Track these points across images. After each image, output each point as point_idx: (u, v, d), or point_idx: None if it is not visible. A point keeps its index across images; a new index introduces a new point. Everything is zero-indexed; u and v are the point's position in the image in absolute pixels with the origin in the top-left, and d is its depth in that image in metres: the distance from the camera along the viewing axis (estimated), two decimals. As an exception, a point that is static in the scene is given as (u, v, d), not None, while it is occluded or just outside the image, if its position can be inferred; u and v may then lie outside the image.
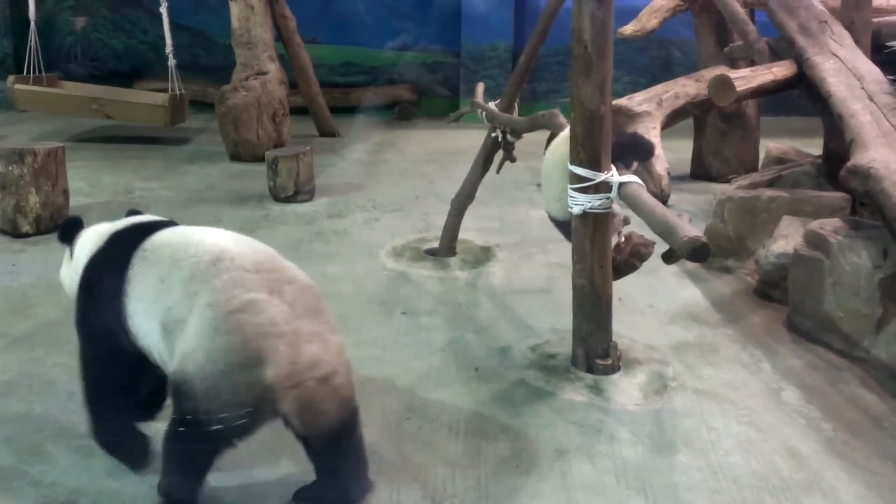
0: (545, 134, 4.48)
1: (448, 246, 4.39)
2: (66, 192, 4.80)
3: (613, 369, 2.95)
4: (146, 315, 2.14)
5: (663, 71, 9.69)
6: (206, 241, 2.16)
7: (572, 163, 2.82)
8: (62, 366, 2.96)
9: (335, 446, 2.11)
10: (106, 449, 2.37)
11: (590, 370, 2.95)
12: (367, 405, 2.69)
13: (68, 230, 2.46)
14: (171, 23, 7.39)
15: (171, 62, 7.37)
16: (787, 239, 3.75)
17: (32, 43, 7.30)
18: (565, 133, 3.08)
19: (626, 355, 3.08)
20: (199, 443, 2.01)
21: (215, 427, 1.96)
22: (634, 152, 3.15)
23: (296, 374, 1.95)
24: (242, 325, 1.96)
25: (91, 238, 2.38)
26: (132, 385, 2.34)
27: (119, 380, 2.31)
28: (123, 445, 2.37)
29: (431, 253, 4.42)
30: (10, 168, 4.47)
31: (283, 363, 1.94)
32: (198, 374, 1.97)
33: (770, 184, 4.49)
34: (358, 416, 2.16)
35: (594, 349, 2.95)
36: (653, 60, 9.97)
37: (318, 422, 2.01)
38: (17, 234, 4.54)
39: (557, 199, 3.02)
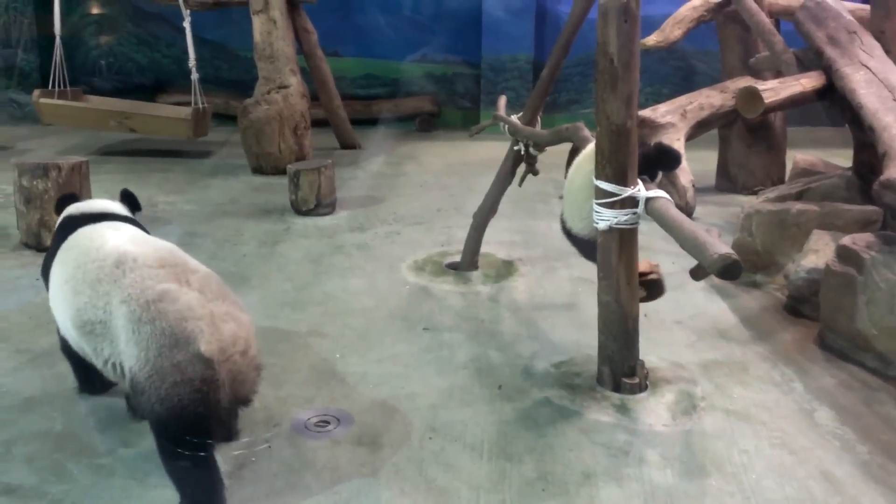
0: (567, 145, 4.45)
1: (470, 260, 4.35)
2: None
3: (640, 388, 2.89)
4: (58, 311, 2.47)
5: (685, 81, 9.62)
6: (107, 245, 2.38)
7: (598, 177, 2.77)
8: (84, 382, 2.95)
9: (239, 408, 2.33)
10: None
11: (616, 389, 2.89)
12: (389, 424, 2.66)
13: (61, 204, 2.85)
14: (194, 36, 7.45)
15: (195, 76, 7.43)
16: (817, 253, 3.66)
17: (58, 57, 7.39)
18: (589, 150, 3.02)
19: (653, 374, 3.01)
20: (188, 433, 2.10)
21: (189, 408, 2.07)
22: (661, 163, 3.07)
23: (224, 350, 2.12)
24: (164, 312, 2.13)
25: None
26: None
27: (69, 349, 2.62)
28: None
29: (453, 267, 4.38)
30: (35, 182, 4.51)
31: (210, 341, 2.10)
32: (137, 366, 2.13)
33: (798, 196, 4.40)
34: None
35: (620, 367, 2.89)
36: (675, 71, 9.90)
37: (243, 390, 2.22)
38: (41, 248, 4.56)
39: (584, 217, 2.96)
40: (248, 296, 3.91)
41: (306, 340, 3.38)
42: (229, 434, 2.42)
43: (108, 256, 2.31)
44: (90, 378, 2.78)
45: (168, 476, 2.18)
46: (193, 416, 2.08)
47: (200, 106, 7.56)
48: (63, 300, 2.40)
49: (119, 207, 2.83)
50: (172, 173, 6.93)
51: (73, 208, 2.75)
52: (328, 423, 2.67)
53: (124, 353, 2.18)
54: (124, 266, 2.26)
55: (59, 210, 2.82)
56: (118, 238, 2.42)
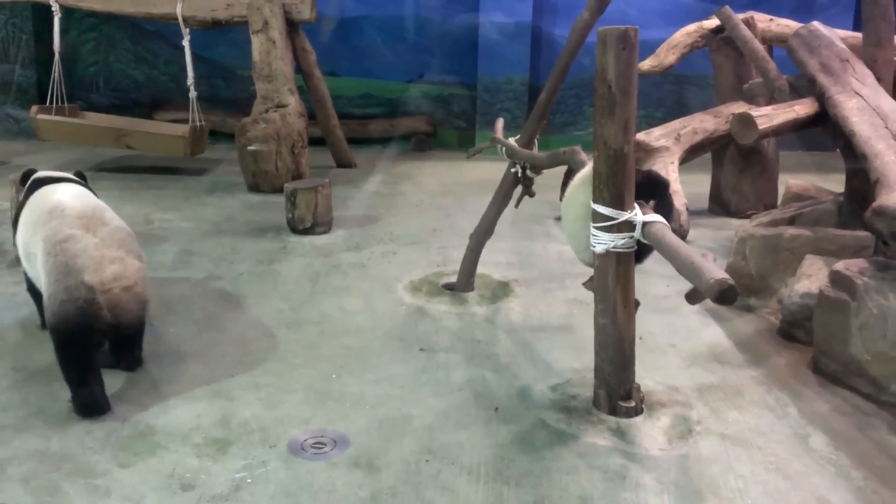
0: (563, 168, 4.49)
1: (466, 281, 4.37)
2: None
3: (636, 412, 2.90)
4: (19, 245, 3.36)
5: (679, 106, 9.73)
6: (52, 198, 3.19)
7: (595, 201, 2.80)
8: (80, 401, 2.94)
9: (126, 337, 3.10)
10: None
11: (612, 412, 2.90)
12: (386, 446, 2.66)
13: (25, 176, 3.64)
14: (193, 54, 7.50)
15: (193, 94, 7.47)
16: (810, 278, 3.70)
17: (56, 74, 7.43)
18: (579, 179, 3.04)
19: (649, 397, 3.03)
20: (70, 340, 2.85)
21: (71, 320, 2.81)
22: (651, 191, 3.07)
23: (104, 283, 2.88)
24: (65, 250, 2.92)
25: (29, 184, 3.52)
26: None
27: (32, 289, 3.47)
28: None
29: (449, 287, 4.39)
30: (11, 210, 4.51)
31: (94, 274, 2.87)
32: (44, 286, 2.95)
33: (791, 221, 4.45)
34: (144, 315, 3.13)
35: (617, 390, 2.91)
36: (668, 95, 10.01)
37: (125, 317, 2.96)
38: (37, 264, 4.56)
39: (586, 248, 2.97)
40: (245, 315, 3.92)
41: (302, 360, 3.38)
42: (130, 361, 3.21)
43: (48, 206, 3.13)
44: (86, 380, 2.96)
45: (63, 376, 2.87)
46: (76, 328, 2.82)
47: (198, 124, 7.59)
48: (20, 234, 3.31)
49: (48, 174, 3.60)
50: (169, 190, 6.94)
51: (41, 173, 3.56)
52: (325, 444, 2.67)
53: (40, 277, 3.00)
54: (53, 214, 3.07)
55: (23, 181, 3.63)
56: (62, 194, 3.22)
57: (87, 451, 2.61)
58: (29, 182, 3.54)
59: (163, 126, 8.24)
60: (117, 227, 3.14)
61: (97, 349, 2.95)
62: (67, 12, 8.07)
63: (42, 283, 2.98)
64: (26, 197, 3.41)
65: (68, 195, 3.21)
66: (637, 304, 2.94)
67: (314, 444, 2.67)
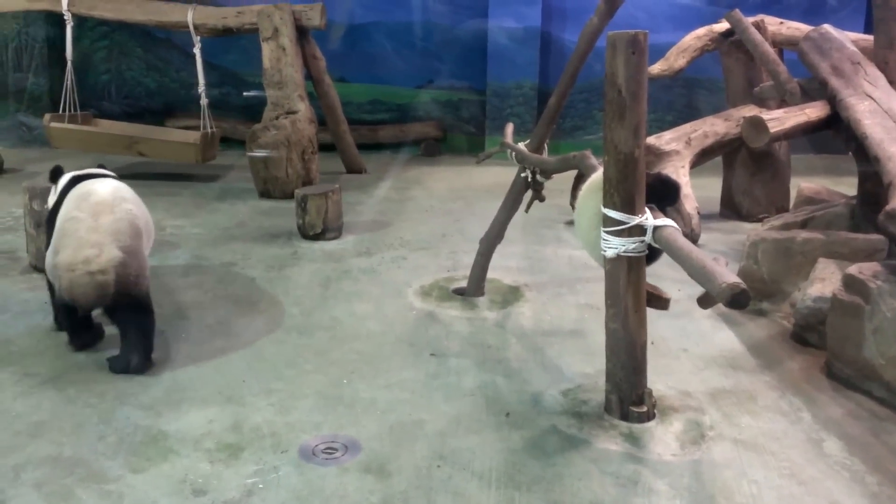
0: (573, 172, 4.48)
1: (476, 285, 4.36)
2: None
3: (648, 417, 2.88)
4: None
5: (689, 109, 9.71)
6: (91, 186, 3.49)
7: (606, 205, 2.80)
8: (93, 406, 2.96)
9: (122, 323, 3.29)
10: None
11: (624, 417, 2.88)
12: (398, 451, 2.66)
13: (54, 174, 3.88)
14: (204, 61, 7.55)
15: (204, 101, 7.53)
16: (823, 282, 3.67)
17: (69, 82, 7.50)
18: (588, 187, 3.03)
19: (661, 402, 3.01)
20: (54, 300, 3.49)
21: (54, 291, 3.33)
22: (662, 195, 2.97)
23: (71, 265, 3.13)
24: (62, 229, 3.27)
25: (63, 179, 3.76)
26: None
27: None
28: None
29: (460, 292, 4.39)
30: (45, 206, 4.54)
31: (66, 255, 3.16)
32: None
33: (803, 225, 4.42)
34: (141, 307, 3.30)
35: (628, 395, 2.89)
36: (679, 98, 9.99)
37: (81, 299, 3.16)
38: (50, 270, 4.60)
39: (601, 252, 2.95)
40: (256, 320, 3.93)
41: (314, 366, 3.38)
42: (136, 362, 3.27)
43: (84, 189, 3.46)
44: (75, 328, 3.47)
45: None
46: (55, 298, 3.39)
47: (209, 130, 7.64)
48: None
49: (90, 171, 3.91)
50: (180, 197, 6.98)
51: (77, 171, 3.82)
52: (336, 449, 2.67)
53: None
54: (81, 196, 3.39)
55: (53, 178, 3.87)
56: (103, 184, 3.52)
57: (100, 456, 2.62)
58: (68, 180, 3.71)
59: (174, 133, 8.30)
60: (121, 218, 3.32)
61: (78, 314, 3.34)
62: (80, 21, 8.14)
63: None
64: (63, 195, 3.57)
65: (107, 186, 3.52)
66: (667, 301, 2.93)
67: (325, 449, 2.67)
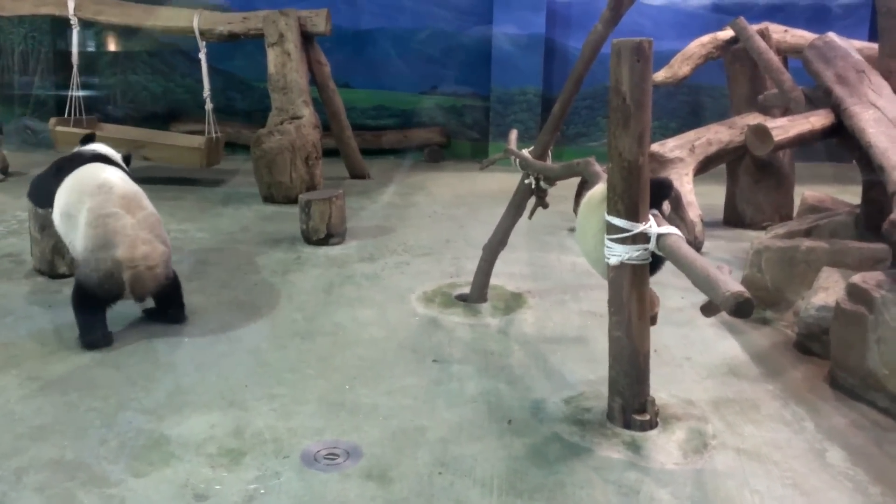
0: (576, 179, 4.48)
1: (479, 292, 4.36)
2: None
3: (651, 425, 2.88)
4: (57, 202, 3.82)
5: (693, 116, 9.70)
6: (101, 175, 3.77)
7: (610, 213, 2.80)
8: (96, 410, 2.97)
9: (162, 300, 3.85)
10: None
11: (627, 426, 2.88)
12: (399, 458, 2.66)
13: (85, 140, 4.31)
14: (209, 66, 7.58)
15: (209, 106, 7.55)
16: (827, 291, 3.66)
17: (74, 86, 7.53)
18: (588, 202, 3.02)
19: (664, 411, 3.00)
20: (90, 296, 3.53)
21: (94, 284, 3.51)
22: (656, 195, 2.96)
23: (132, 261, 3.51)
24: (105, 225, 3.53)
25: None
26: None
27: (82, 296, 3.68)
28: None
29: (462, 298, 4.39)
30: (49, 209, 4.55)
31: (125, 252, 3.50)
32: (80, 251, 3.59)
33: (807, 233, 4.41)
34: (177, 286, 3.88)
35: (631, 404, 2.89)
36: (682, 106, 9.99)
37: (141, 291, 3.60)
38: (54, 274, 4.60)
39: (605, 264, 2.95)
40: (258, 325, 3.93)
41: (316, 371, 3.38)
42: (176, 315, 3.90)
43: (97, 181, 3.71)
44: (93, 326, 3.58)
45: (75, 316, 3.58)
46: (97, 292, 3.52)
47: (214, 135, 7.66)
48: (62, 197, 3.78)
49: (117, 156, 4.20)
50: (185, 201, 7.00)
51: (95, 147, 4.18)
52: (338, 455, 2.66)
53: (77, 240, 3.62)
54: (102, 189, 3.65)
55: (82, 143, 4.26)
56: (111, 174, 3.80)
57: (102, 460, 2.62)
58: (76, 151, 4.13)
59: (179, 137, 8.32)
60: (151, 213, 3.76)
61: (107, 306, 3.63)
62: (86, 25, 8.18)
63: (75, 243, 3.65)
64: (73, 163, 3.94)
65: (116, 176, 3.80)
66: (653, 316, 2.93)
67: (327, 455, 2.67)
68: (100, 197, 3.62)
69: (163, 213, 6.33)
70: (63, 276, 4.58)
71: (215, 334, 3.79)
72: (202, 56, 7.46)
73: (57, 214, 3.83)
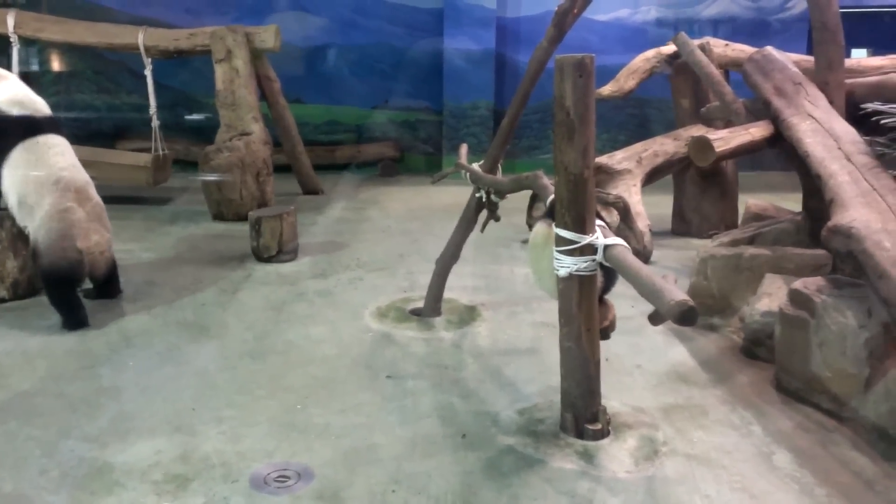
0: (528, 192, 4.51)
1: (433, 306, 4.35)
2: (44, 256, 4.73)
3: (603, 434, 2.90)
4: (8, 183, 4.16)
5: (640, 129, 9.91)
6: (56, 166, 4.15)
7: (558, 225, 2.83)
8: (35, 439, 2.86)
9: (106, 281, 4.48)
10: None
11: (579, 435, 2.89)
12: (352, 478, 2.62)
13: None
14: (155, 83, 7.45)
15: (155, 123, 7.41)
16: (770, 297, 3.76)
17: (16, 105, 7.30)
18: (545, 234, 3.05)
19: (616, 419, 3.03)
20: (63, 281, 4.08)
21: (66, 270, 4.06)
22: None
23: (89, 249, 4.12)
24: (65, 219, 4.05)
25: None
26: None
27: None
28: None
29: (416, 313, 4.37)
30: None
31: (83, 241, 4.07)
32: (43, 242, 4.04)
33: (751, 241, 4.52)
34: (116, 267, 4.55)
35: (583, 414, 2.91)
36: (630, 118, 10.19)
37: (97, 273, 4.29)
38: (-11, 298, 4.46)
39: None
40: (207, 346, 3.85)
41: (267, 391, 3.32)
42: (111, 293, 4.58)
43: (54, 176, 4.11)
44: (75, 307, 4.09)
45: (52, 305, 4.10)
46: (67, 277, 4.07)
47: (161, 152, 7.51)
48: (14, 183, 4.14)
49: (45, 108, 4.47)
50: (131, 220, 6.84)
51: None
52: (288, 477, 2.61)
53: (38, 231, 4.06)
54: (58, 185, 4.09)
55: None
56: (63, 164, 4.19)
57: (42, 491, 2.52)
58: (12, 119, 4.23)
59: (125, 156, 8.13)
60: (97, 203, 4.30)
61: (77, 288, 4.21)
62: (27, 43, 7.97)
63: (35, 233, 4.06)
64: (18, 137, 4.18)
65: (66, 163, 4.22)
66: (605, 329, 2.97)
67: (277, 477, 2.61)
68: (57, 194, 4.07)
69: (108, 234, 6.24)
70: (2, 301, 4.43)
71: (161, 357, 3.69)
72: (148, 73, 7.33)
73: (13, 199, 4.16)
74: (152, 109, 7.39)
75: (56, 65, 9.92)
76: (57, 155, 4.20)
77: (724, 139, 4.28)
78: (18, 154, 4.13)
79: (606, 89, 6.51)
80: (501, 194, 4.02)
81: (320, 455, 2.78)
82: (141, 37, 7.31)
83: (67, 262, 4.02)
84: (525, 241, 6.11)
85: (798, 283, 3.35)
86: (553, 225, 2.88)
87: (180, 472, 2.64)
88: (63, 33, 7.62)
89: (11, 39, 7.37)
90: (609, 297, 3.11)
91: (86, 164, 7.33)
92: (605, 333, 3.03)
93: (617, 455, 2.79)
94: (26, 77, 8.60)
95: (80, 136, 9.53)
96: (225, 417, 3.06)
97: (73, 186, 4.14)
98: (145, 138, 7.99)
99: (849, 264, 3.65)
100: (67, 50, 9.53)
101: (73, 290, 4.13)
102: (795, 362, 3.29)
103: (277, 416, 3.08)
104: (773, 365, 3.48)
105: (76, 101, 9.98)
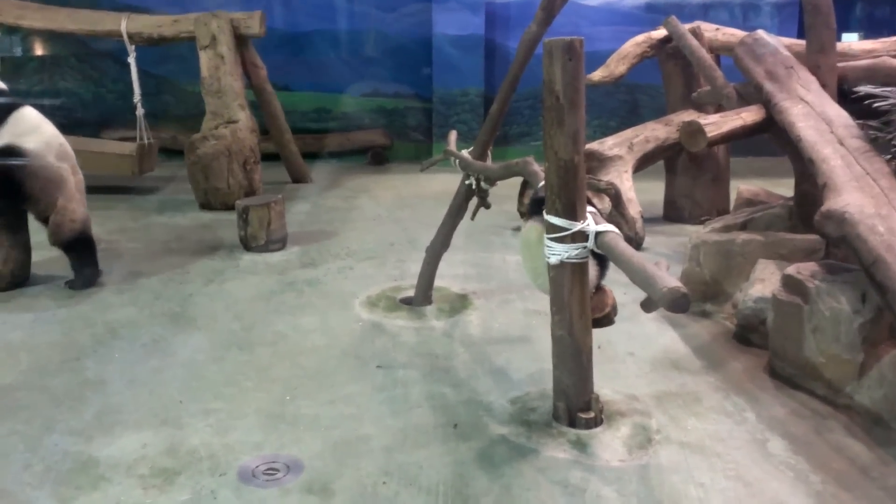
0: (519, 178, 4.46)
1: (424, 294, 4.31)
2: (27, 247, 4.65)
3: (596, 423, 2.87)
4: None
5: (631, 114, 9.84)
6: (55, 133, 4.54)
7: (548, 212, 2.78)
8: (19, 434, 2.81)
9: (76, 258, 4.61)
10: None
11: (572, 424, 2.86)
12: (342, 469, 2.58)
13: None
14: (141, 71, 7.33)
15: (140, 111, 7.30)
16: (763, 283, 3.73)
17: None
18: (530, 239, 3.01)
19: (609, 407, 3.00)
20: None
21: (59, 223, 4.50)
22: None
23: (64, 209, 4.48)
24: (61, 177, 4.48)
25: None
26: None
27: None
28: None
29: (407, 302, 4.33)
30: None
31: (63, 201, 4.48)
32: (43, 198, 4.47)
33: (743, 226, 4.49)
34: (91, 240, 4.70)
35: (576, 402, 2.87)
36: (621, 104, 10.13)
37: (58, 238, 4.50)
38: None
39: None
40: (194, 337, 3.79)
41: (255, 383, 3.27)
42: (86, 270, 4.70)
43: (51, 134, 4.51)
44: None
45: (87, 265, 4.66)
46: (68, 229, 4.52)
47: (146, 141, 7.41)
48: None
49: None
50: (116, 210, 6.75)
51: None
52: (277, 470, 2.57)
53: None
54: (55, 143, 4.49)
55: None
56: (57, 132, 4.59)
57: (26, 486, 2.47)
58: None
59: (110, 145, 8.02)
60: (81, 179, 4.68)
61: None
62: (8, 30, 7.83)
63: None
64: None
65: (61, 137, 4.57)
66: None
67: (266, 470, 2.57)
68: (57, 152, 4.47)
69: (93, 224, 6.14)
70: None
71: (147, 348, 3.64)
72: (131, 60, 7.22)
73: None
74: (137, 97, 7.28)
75: (39, 52, 9.75)
76: (50, 125, 4.50)
77: (716, 124, 4.24)
78: (30, 120, 4.44)
79: (597, 75, 6.44)
80: (491, 181, 3.97)
81: (310, 447, 2.73)
82: (124, 23, 7.18)
83: (70, 221, 4.53)
84: (516, 229, 6.07)
85: (791, 269, 3.32)
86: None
87: (167, 466, 2.59)
88: (45, 20, 7.48)
89: (-8, 27, 7.25)
90: (602, 283, 3.07)
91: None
92: (610, 319, 3.00)
93: (610, 444, 2.76)
94: (8, 65, 8.48)
95: (65, 124, 9.34)
96: (212, 410, 3.01)
97: (66, 153, 4.49)
98: (130, 127, 7.87)
99: (842, 249, 3.64)
100: (50, 37, 9.37)
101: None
102: (789, 348, 3.27)
103: (266, 408, 3.03)
104: (767, 351, 3.46)
105: (60, 89, 9.82)
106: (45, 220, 4.45)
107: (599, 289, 3.00)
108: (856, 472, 2.61)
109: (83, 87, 9.85)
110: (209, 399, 3.11)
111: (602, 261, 2.93)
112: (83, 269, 4.58)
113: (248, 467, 2.58)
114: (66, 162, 4.49)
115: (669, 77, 6.66)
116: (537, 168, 3.32)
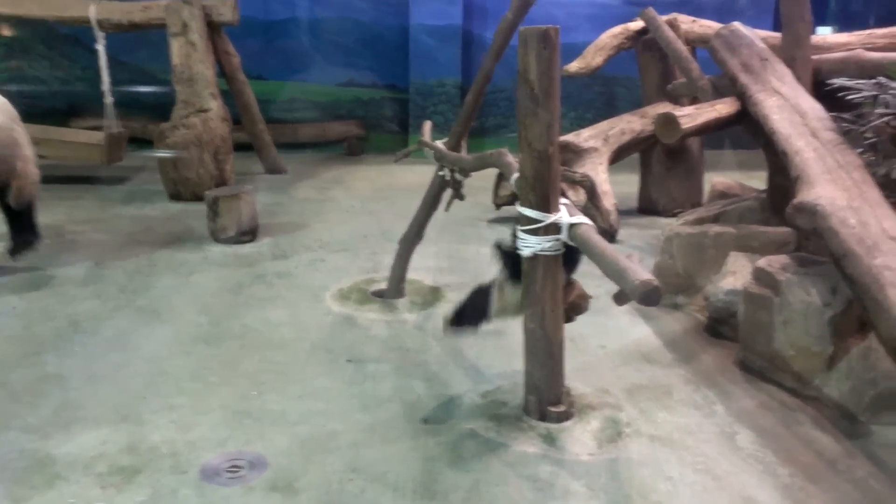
0: (494, 170, 4.41)
1: (396, 287, 4.25)
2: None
3: (566, 416, 2.85)
4: None
5: (608, 107, 9.84)
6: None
7: (522, 204, 2.74)
8: (-28, 431, 2.71)
9: (18, 223, 4.58)
10: None
11: (542, 418, 2.83)
12: (307, 466, 2.53)
13: None
14: (112, 59, 7.16)
15: (108, 100, 7.14)
16: (734, 275, 3.73)
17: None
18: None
19: (579, 400, 2.98)
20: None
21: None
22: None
23: (25, 174, 4.43)
24: (23, 138, 4.52)
25: None
26: None
27: None
28: None
29: (379, 295, 4.27)
30: None
31: (22, 167, 4.42)
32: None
33: (716, 219, 4.49)
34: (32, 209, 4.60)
35: (546, 396, 2.84)
36: (597, 96, 10.12)
37: (20, 201, 4.45)
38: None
39: None
40: (159, 331, 3.71)
41: (221, 378, 3.20)
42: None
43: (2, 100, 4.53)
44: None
45: (29, 228, 4.59)
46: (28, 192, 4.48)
47: (115, 130, 7.25)
48: None
49: None
50: (83, 200, 6.61)
51: None
52: (241, 467, 2.51)
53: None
54: (10, 109, 4.53)
55: None
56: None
57: (-21, 486, 2.39)
58: None
59: (78, 134, 7.83)
60: (32, 149, 4.64)
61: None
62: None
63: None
64: None
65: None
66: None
67: (229, 467, 2.51)
68: (14, 121, 4.48)
69: (58, 214, 6.04)
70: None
71: (110, 343, 3.54)
72: (100, 47, 7.04)
73: None
74: (105, 85, 7.11)
75: (5, 38, 9.50)
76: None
77: (691, 116, 4.22)
78: None
79: (573, 66, 6.41)
80: (465, 172, 3.92)
81: (275, 443, 2.68)
82: (93, 10, 7.00)
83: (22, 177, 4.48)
84: (492, 221, 6.04)
85: (762, 262, 3.32)
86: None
87: (126, 464, 2.52)
88: (11, 5, 7.28)
89: (-45, 12, 7.03)
90: (575, 276, 3.03)
91: (36, 142, 7.13)
92: (579, 309, 2.97)
93: (580, 437, 2.74)
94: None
95: (32, 113, 9.15)
96: (176, 405, 2.94)
97: (16, 115, 4.55)
98: (100, 116, 7.69)
99: (813, 242, 3.64)
100: (17, 23, 9.12)
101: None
102: (759, 341, 3.27)
103: (231, 404, 2.96)
104: (737, 344, 3.46)
105: (27, 76, 9.58)
106: (2, 188, 4.41)
107: (569, 283, 2.97)
108: (823, 465, 2.61)
109: (51, 74, 9.62)
110: (173, 394, 3.03)
111: (573, 255, 2.90)
112: (27, 233, 4.58)
113: (211, 465, 2.52)
114: (17, 124, 4.49)
115: (646, 69, 6.65)
116: (511, 159, 3.27)
